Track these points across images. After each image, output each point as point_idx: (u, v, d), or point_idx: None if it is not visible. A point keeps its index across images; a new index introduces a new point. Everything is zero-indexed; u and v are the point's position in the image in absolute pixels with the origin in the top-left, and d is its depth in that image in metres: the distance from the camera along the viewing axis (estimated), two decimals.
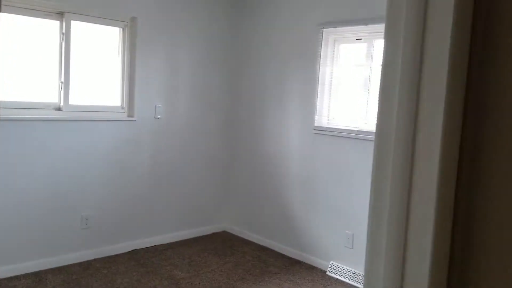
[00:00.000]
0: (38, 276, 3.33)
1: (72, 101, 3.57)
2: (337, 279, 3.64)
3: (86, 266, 3.57)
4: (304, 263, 3.93)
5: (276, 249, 4.18)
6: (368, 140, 3.47)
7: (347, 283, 3.56)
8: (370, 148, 3.52)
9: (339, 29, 3.69)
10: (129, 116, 3.91)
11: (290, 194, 4.08)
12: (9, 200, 3.27)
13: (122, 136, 3.83)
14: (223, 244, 4.28)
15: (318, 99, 3.84)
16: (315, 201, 3.89)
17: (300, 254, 4.01)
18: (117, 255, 3.82)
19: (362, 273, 3.53)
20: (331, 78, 3.79)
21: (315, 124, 3.86)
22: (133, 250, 3.94)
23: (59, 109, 3.52)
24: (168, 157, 4.16)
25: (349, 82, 3.70)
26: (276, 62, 4.17)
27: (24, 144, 3.31)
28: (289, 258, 4.02)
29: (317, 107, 3.85)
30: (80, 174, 3.60)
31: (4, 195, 3.25)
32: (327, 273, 3.72)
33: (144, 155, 3.98)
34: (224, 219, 4.68)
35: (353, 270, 3.60)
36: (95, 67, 3.77)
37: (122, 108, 3.89)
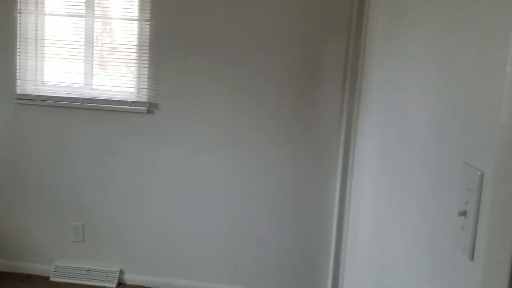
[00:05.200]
0: None
1: None
2: (66, 282, 2.93)
3: None
4: (17, 274, 3.00)
5: None
6: (96, 109, 2.88)
7: (80, 284, 2.91)
8: (100, 120, 2.90)
9: None
10: None
11: None
12: None
13: None
14: None
15: (20, 59, 2.91)
16: (27, 194, 2.99)
17: (8, 264, 3.04)
18: None
19: (98, 268, 2.95)
20: (39, 30, 2.92)
21: (18, 92, 2.93)
22: None
23: None
24: None
25: (67, 37, 2.93)
26: None
27: None
28: None
29: (20, 69, 2.92)
30: None
31: None
32: (51, 278, 2.96)
33: None
34: None
35: (86, 267, 2.97)
36: None
37: None
